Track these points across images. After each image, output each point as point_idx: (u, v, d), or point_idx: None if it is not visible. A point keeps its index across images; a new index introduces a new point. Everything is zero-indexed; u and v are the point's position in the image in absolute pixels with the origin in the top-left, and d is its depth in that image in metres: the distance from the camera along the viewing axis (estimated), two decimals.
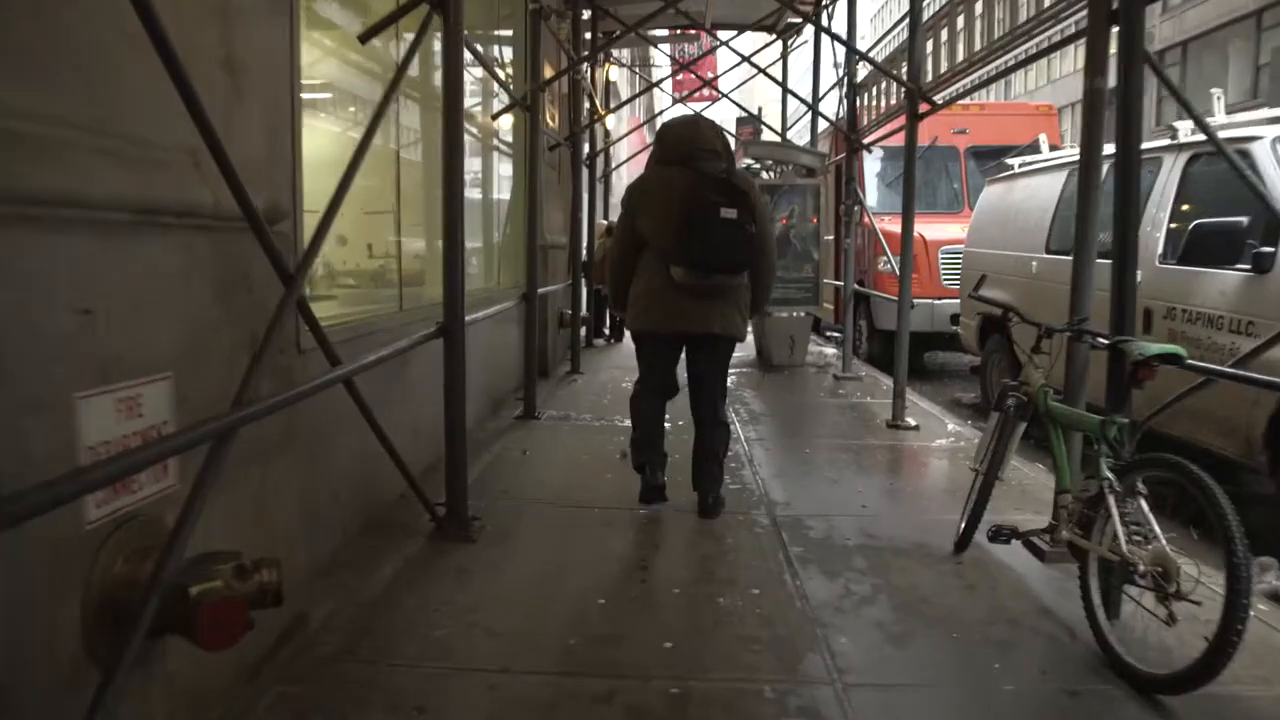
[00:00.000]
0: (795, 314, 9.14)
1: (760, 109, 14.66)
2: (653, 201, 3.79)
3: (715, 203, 3.56)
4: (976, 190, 10.25)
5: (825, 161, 9.13)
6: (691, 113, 4.49)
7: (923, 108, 6.48)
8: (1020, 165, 7.31)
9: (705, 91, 21.76)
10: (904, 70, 6.46)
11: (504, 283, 7.47)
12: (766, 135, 12.60)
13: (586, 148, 9.78)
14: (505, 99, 6.59)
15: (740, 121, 15.15)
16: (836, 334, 10.39)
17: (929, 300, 9.05)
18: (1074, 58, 27.65)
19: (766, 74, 9.65)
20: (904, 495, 4.77)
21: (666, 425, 4.31)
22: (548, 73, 8.16)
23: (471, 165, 7.19)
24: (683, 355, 4.09)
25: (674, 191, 3.65)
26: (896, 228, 9.73)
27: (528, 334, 6.08)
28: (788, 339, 9.09)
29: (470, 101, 6.77)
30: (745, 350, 10.38)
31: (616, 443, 5.36)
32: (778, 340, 9.11)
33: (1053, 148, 10.23)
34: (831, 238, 10.58)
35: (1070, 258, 3.50)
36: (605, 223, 11.60)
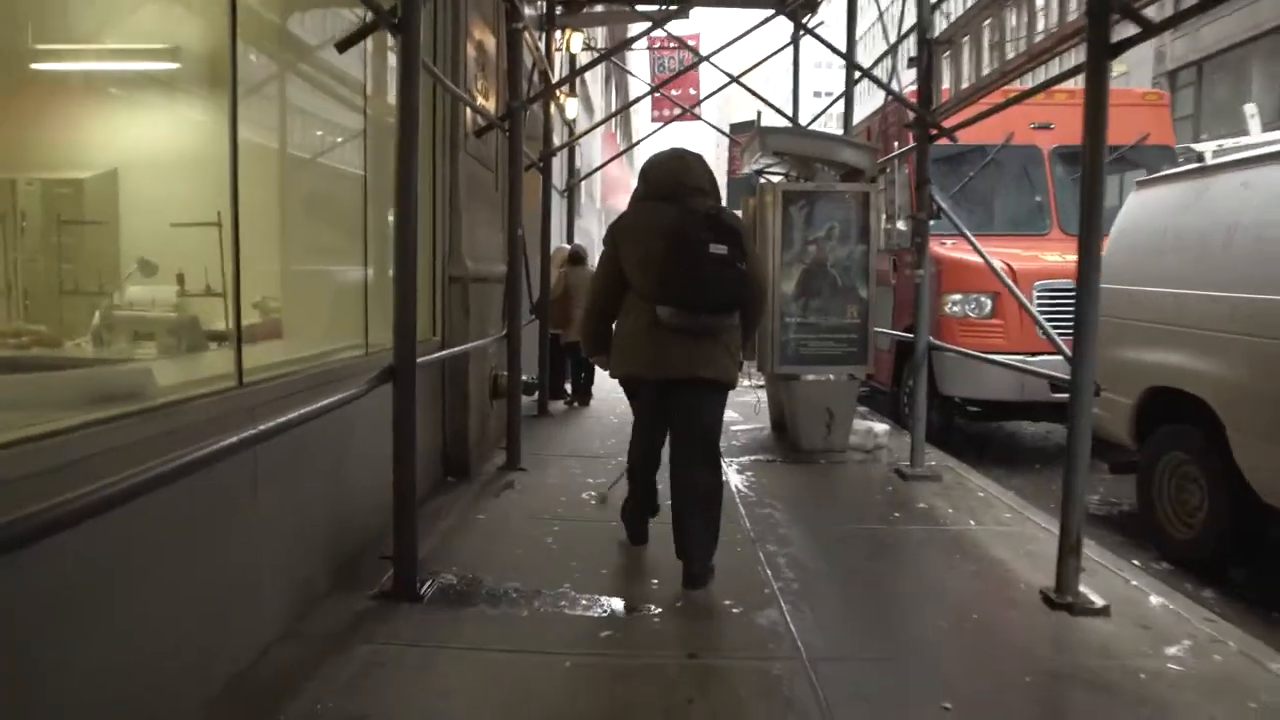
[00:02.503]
0: (833, 377, 6.39)
1: (759, 113, 12.04)
2: (637, 238, 3.62)
3: (703, 239, 3.40)
4: (1067, 204, 7.61)
5: (877, 159, 6.44)
6: (678, 147, 3.93)
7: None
8: (1218, 156, 4.64)
9: (694, 92, 19.39)
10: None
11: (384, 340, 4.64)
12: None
13: (552, 145, 7.04)
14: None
15: (736, 128, 12.50)
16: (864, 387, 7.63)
17: (1020, 356, 6.34)
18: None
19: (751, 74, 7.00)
20: None
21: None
22: (480, 33, 5.43)
23: (325, 149, 4.40)
24: None
25: (659, 228, 3.48)
26: (970, 256, 7.09)
27: (397, 436, 3.27)
28: (823, 413, 6.34)
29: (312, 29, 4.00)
30: (756, 424, 7.59)
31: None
32: (808, 415, 6.35)
33: (1166, 148, 7.65)
34: (889, 267, 7.89)
35: None
36: (567, 247, 8.84)
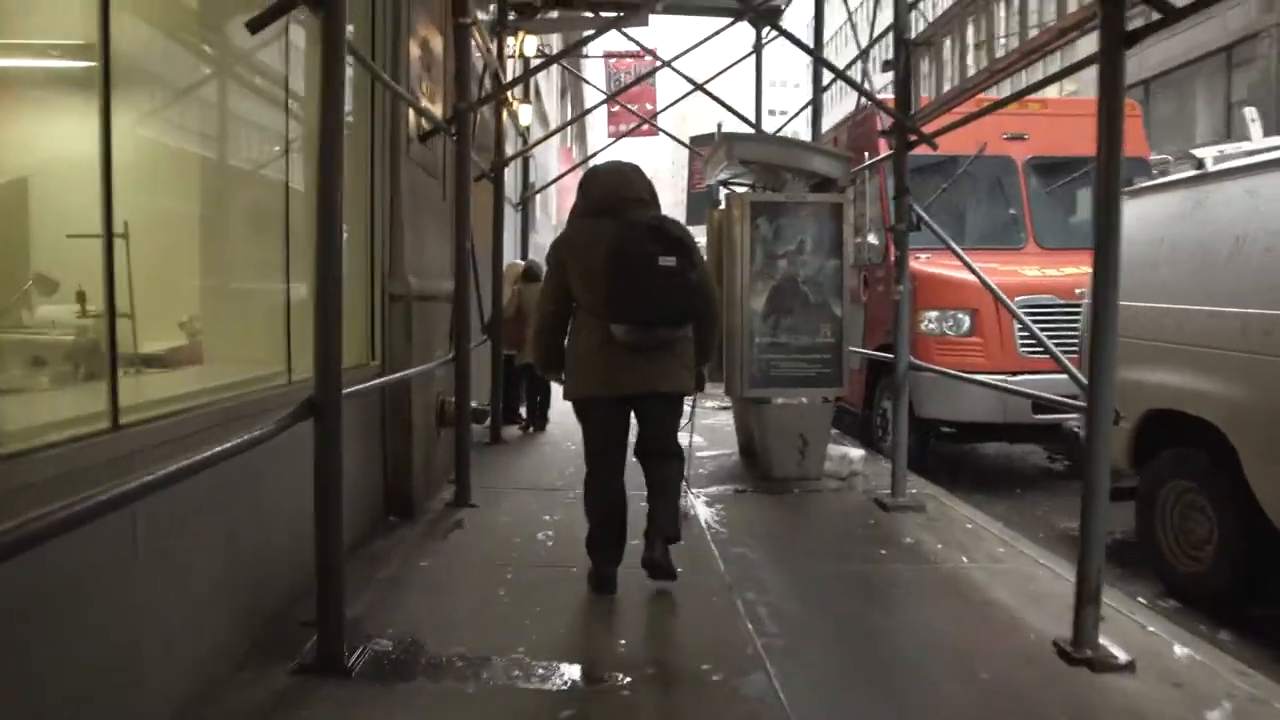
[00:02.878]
0: (805, 400, 6.00)
1: (720, 125, 11.72)
2: (582, 256, 3.54)
3: (650, 252, 3.36)
4: (1043, 217, 7.36)
5: (850, 168, 6.08)
6: (615, 160, 3.93)
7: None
8: (1220, 162, 4.35)
9: (650, 107, 19.04)
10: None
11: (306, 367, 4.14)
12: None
13: (506, 154, 6.59)
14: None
15: (697, 140, 12.15)
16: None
17: (1000, 376, 6.01)
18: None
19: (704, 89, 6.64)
20: None
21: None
22: (425, 30, 4.99)
23: (244, 147, 3.92)
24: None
25: (604, 244, 3.41)
26: (946, 270, 6.77)
27: (320, 484, 2.77)
28: (796, 439, 5.93)
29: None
30: (724, 449, 7.17)
31: None
32: (780, 441, 5.95)
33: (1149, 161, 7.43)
34: (858, 283, 7.54)
35: None
36: (521, 263, 8.37)
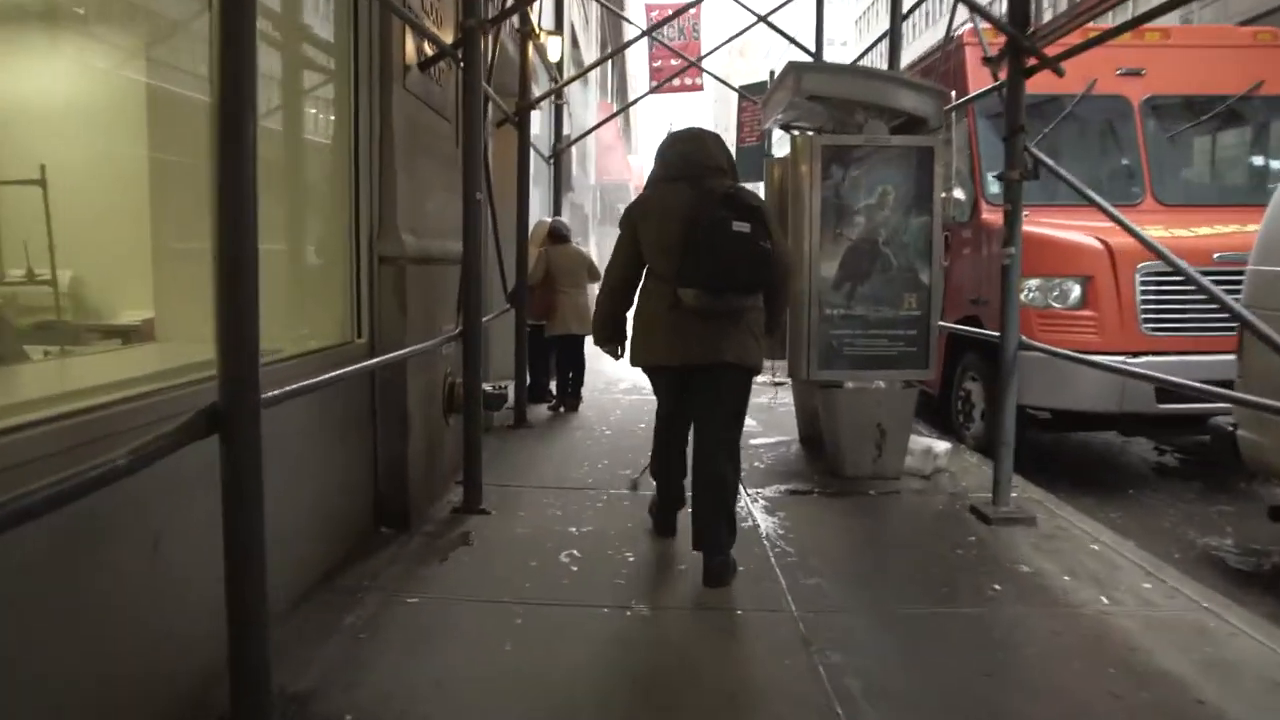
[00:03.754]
0: (883, 385, 5.03)
1: (772, 74, 10.59)
2: (656, 220, 3.52)
3: (724, 217, 3.29)
4: (1162, 167, 6.24)
5: (943, 105, 5.03)
6: (693, 126, 3.84)
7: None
8: None
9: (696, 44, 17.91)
10: None
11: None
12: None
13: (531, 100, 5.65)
14: None
15: (747, 90, 11.02)
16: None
17: (1118, 357, 4.98)
18: None
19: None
20: None
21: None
22: None
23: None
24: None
25: (678, 209, 3.42)
26: (1052, 230, 5.71)
27: (229, 531, 1.90)
28: (872, 430, 4.97)
29: None
30: (782, 435, 6.23)
31: None
32: (854, 433, 4.99)
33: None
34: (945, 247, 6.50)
35: None
36: (547, 221, 7.44)
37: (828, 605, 3.28)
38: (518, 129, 6.22)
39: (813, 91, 4.82)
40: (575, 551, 3.76)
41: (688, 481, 3.76)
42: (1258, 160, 6.65)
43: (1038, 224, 5.79)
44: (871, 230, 4.86)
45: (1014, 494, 4.51)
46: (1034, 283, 5.53)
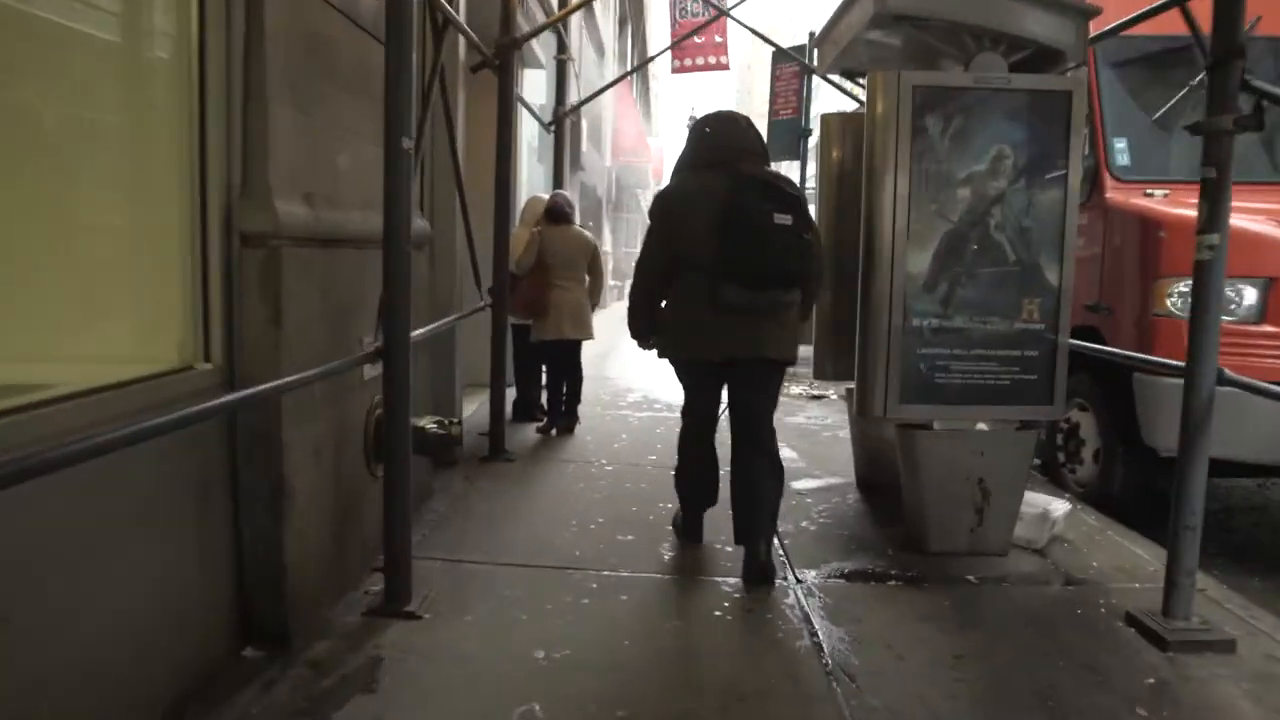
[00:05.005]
0: (985, 426, 3.61)
1: (812, 34, 9.11)
2: (692, 209, 3.33)
3: (766, 209, 3.19)
4: None
5: (1087, 32, 3.57)
6: (726, 109, 3.76)
7: None
8: None
9: (720, 40, 16.44)
10: None
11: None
12: None
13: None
14: None
15: (780, 57, 9.54)
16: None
17: None
18: None
19: None
20: None
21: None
22: None
23: None
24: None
25: (716, 197, 3.24)
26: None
27: None
28: (971, 490, 3.56)
29: None
30: (832, 475, 4.83)
31: None
32: (944, 491, 3.58)
33: None
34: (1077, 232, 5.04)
35: None
36: (544, 198, 6.04)
37: None
38: (498, 76, 4.80)
39: (902, 10, 3.38)
40: (537, 707, 2.37)
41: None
42: None
43: (1184, 205, 4.35)
44: (980, 209, 3.43)
45: (1201, 586, 3.07)
46: (1187, 285, 4.07)
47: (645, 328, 3.59)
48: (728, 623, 2.98)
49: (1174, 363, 3.13)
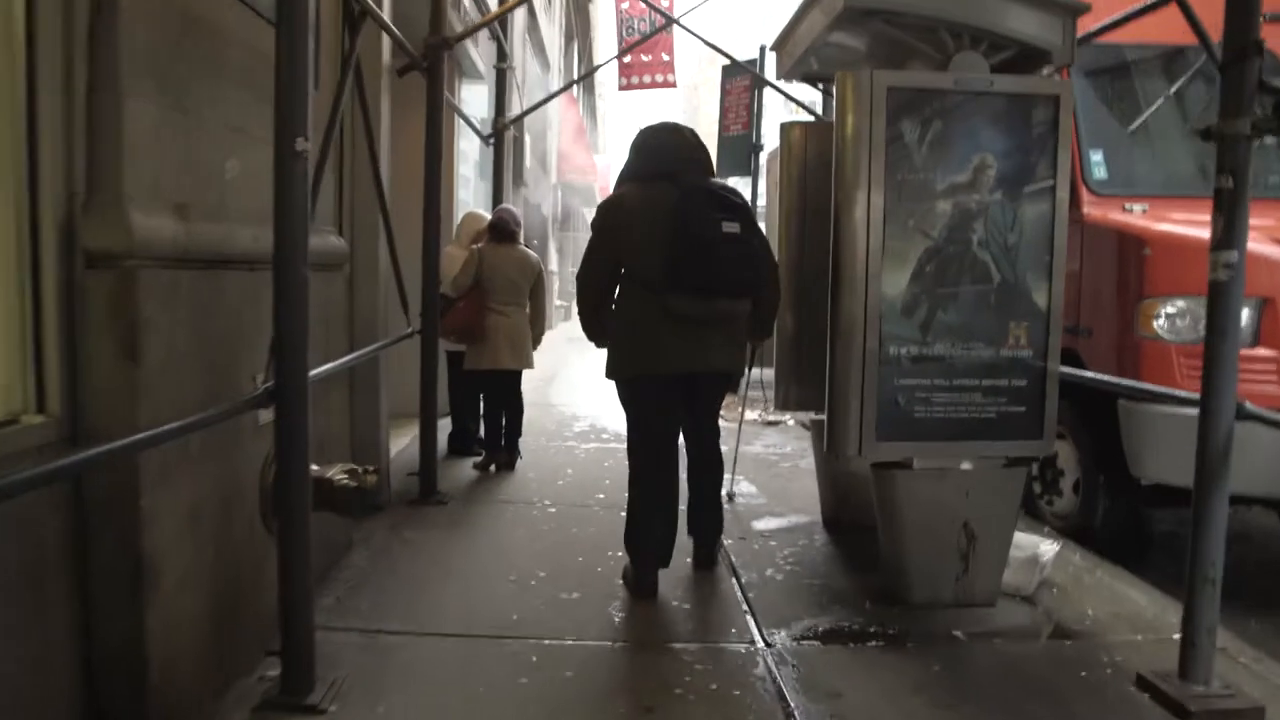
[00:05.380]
0: (969, 465, 3.25)
1: (763, 48, 8.84)
2: (636, 219, 3.26)
3: (714, 218, 3.16)
4: None
5: (1073, 29, 3.26)
6: (668, 120, 3.68)
7: None
8: None
9: (667, 58, 16.25)
10: None
11: None
12: None
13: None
14: None
15: (730, 71, 9.25)
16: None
17: None
18: None
19: None
20: None
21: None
22: None
23: None
24: None
25: (663, 209, 3.18)
26: (1197, 230, 4.01)
27: None
28: (955, 534, 3.21)
29: None
30: (794, 511, 4.45)
31: None
32: (927, 536, 3.22)
33: None
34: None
35: None
36: (485, 215, 5.60)
37: None
38: (427, 79, 4.36)
39: (872, 4, 3.03)
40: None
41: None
42: None
43: (1167, 220, 4.10)
44: (962, 224, 3.09)
45: (1221, 645, 2.73)
46: (1175, 305, 3.80)
47: (599, 331, 3.50)
48: (689, 704, 2.55)
49: (1187, 394, 2.80)
